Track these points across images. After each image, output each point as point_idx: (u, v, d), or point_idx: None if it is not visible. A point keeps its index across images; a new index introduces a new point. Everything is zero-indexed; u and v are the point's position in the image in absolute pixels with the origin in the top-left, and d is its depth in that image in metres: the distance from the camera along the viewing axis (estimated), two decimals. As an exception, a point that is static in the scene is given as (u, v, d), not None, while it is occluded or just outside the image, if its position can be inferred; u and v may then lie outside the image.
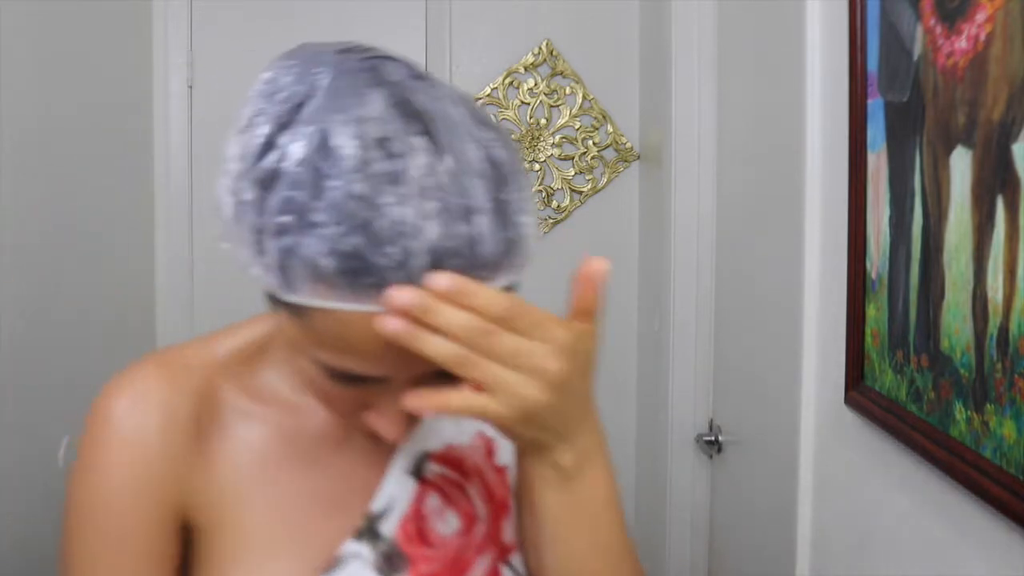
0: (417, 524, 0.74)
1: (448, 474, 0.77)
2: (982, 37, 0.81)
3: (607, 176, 2.38)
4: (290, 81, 0.58)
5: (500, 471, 0.79)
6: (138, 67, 2.24)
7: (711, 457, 1.99)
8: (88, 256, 1.93)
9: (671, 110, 2.00)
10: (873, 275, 1.08)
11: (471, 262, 0.55)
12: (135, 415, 0.70)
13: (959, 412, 0.87)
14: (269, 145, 0.56)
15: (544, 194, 2.38)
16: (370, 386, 0.62)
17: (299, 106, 0.56)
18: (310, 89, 0.57)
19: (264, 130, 0.57)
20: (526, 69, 2.35)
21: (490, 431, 0.78)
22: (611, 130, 2.37)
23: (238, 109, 0.60)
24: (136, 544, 0.71)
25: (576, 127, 2.37)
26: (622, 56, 2.37)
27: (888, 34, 1.03)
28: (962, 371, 0.86)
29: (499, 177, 0.57)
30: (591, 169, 2.38)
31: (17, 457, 1.61)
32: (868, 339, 1.10)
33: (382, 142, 0.54)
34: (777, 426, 1.46)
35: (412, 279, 0.54)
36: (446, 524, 0.75)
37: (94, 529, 0.71)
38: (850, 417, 1.17)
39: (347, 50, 0.60)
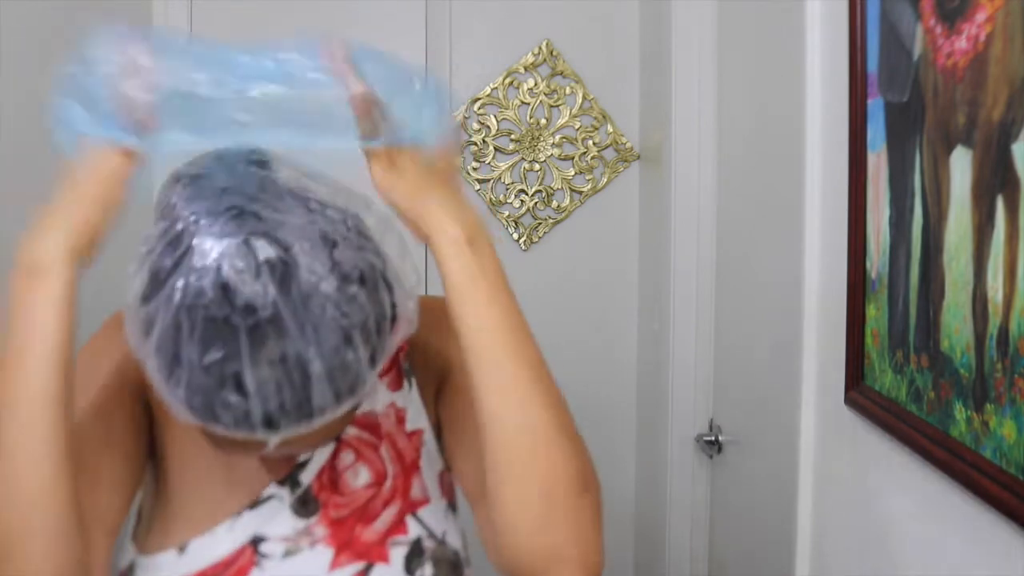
0: (331, 475, 0.86)
1: (363, 436, 0.88)
2: (982, 37, 0.81)
3: (607, 176, 2.38)
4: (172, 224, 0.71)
5: (411, 436, 0.90)
6: (138, 67, 2.24)
7: (711, 457, 1.99)
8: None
9: (671, 110, 2.00)
10: (873, 275, 1.08)
11: (303, 416, 0.67)
12: None
13: (959, 412, 0.87)
14: (146, 298, 0.68)
15: (544, 194, 2.38)
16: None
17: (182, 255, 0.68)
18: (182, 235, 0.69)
19: (144, 276, 0.69)
20: (526, 69, 2.35)
21: (401, 401, 0.89)
22: (611, 130, 2.37)
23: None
24: (111, 408, 0.82)
25: (576, 127, 2.37)
26: (622, 56, 2.37)
27: (888, 34, 1.03)
28: (962, 371, 0.86)
29: (343, 338, 0.67)
30: (591, 169, 2.38)
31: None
32: (868, 339, 1.10)
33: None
34: (777, 426, 1.46)
35: (252, 431, 0.66)
36: (357, 477, 0.87)
37: (87, 381, 0.82)
38: (850, 417, 1.17)
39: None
